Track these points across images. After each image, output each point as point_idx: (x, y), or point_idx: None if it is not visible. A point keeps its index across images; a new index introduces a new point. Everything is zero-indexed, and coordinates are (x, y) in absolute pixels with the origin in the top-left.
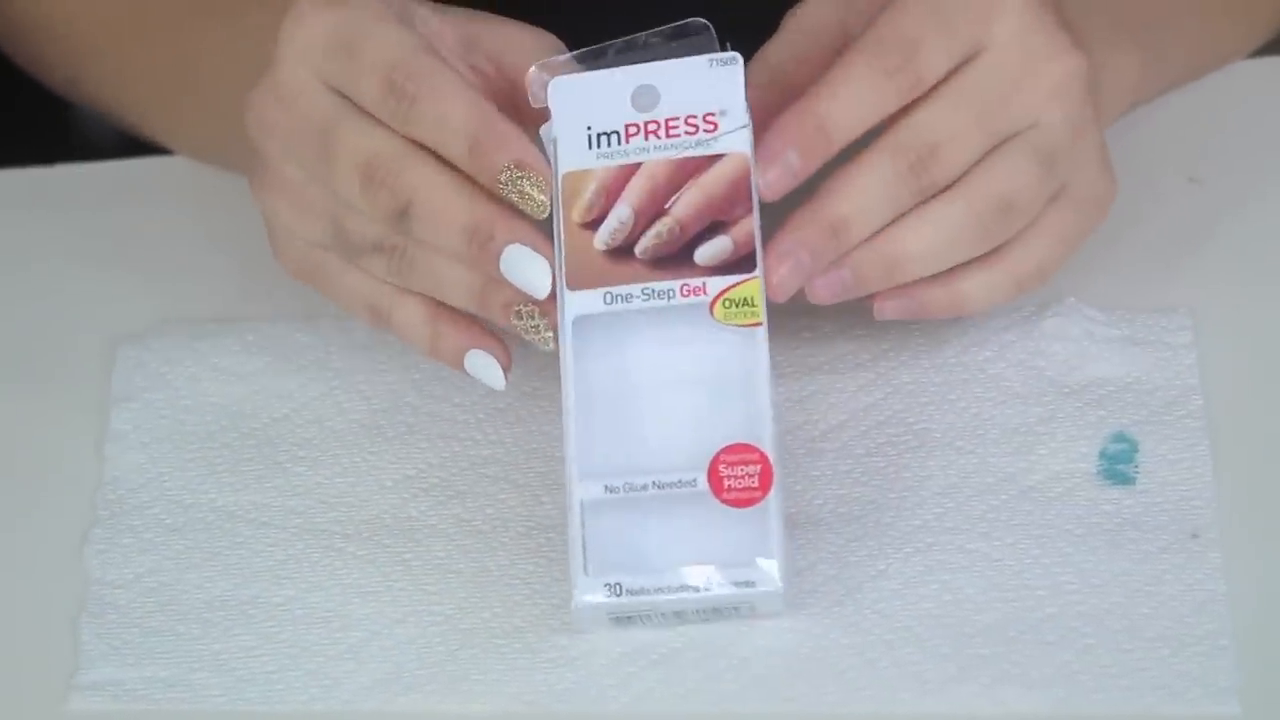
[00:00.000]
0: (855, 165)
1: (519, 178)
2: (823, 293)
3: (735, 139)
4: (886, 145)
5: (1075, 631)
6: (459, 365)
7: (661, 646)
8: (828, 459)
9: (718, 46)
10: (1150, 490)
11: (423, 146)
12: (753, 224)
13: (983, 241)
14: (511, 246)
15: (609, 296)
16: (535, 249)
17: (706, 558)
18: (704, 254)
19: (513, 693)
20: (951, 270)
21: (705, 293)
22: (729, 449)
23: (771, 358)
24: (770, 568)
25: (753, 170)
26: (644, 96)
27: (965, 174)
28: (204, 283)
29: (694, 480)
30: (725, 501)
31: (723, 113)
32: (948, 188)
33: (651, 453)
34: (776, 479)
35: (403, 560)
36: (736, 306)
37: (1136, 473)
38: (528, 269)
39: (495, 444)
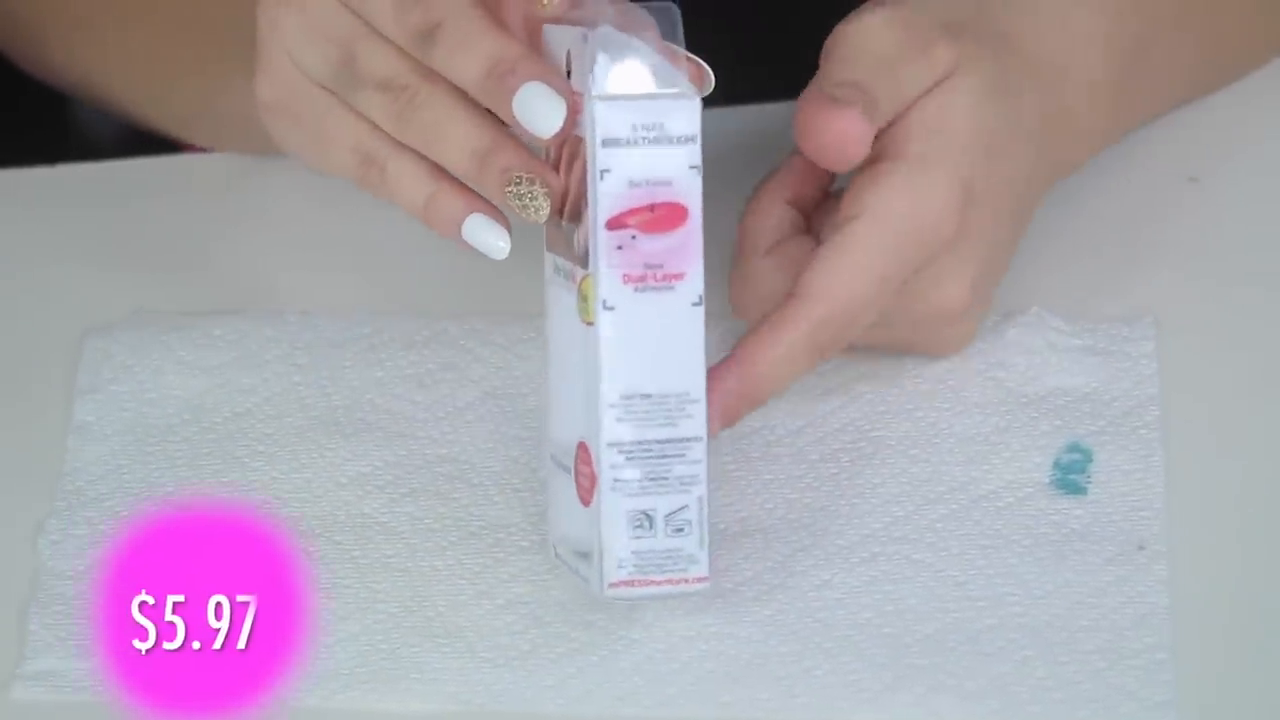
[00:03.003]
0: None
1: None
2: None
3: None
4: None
5: (1014, 643)
6: (454, 231)
7: (603, 649)
8: (782, 463)
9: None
10: (1101, 501)
11: None
12: (588, 218)
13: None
14: (530, 83)
15: (553, 265)
16: (555, 90)
17: (575, 538)
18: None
19: (450, 692)
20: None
21: (574, 280)
22: (581, 445)
23: (611, 358)
24: (588, 570)
25: (591, 157)
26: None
27: None
28: (202, 280)
29: (569, 466)
30: (578, 494)
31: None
32: None
33: (563, 427)
34: (600, 487)
35: (351, 557)
36: (584, 301)
37: (1089, 483)
38: (542, 104)
39: (452, 443)
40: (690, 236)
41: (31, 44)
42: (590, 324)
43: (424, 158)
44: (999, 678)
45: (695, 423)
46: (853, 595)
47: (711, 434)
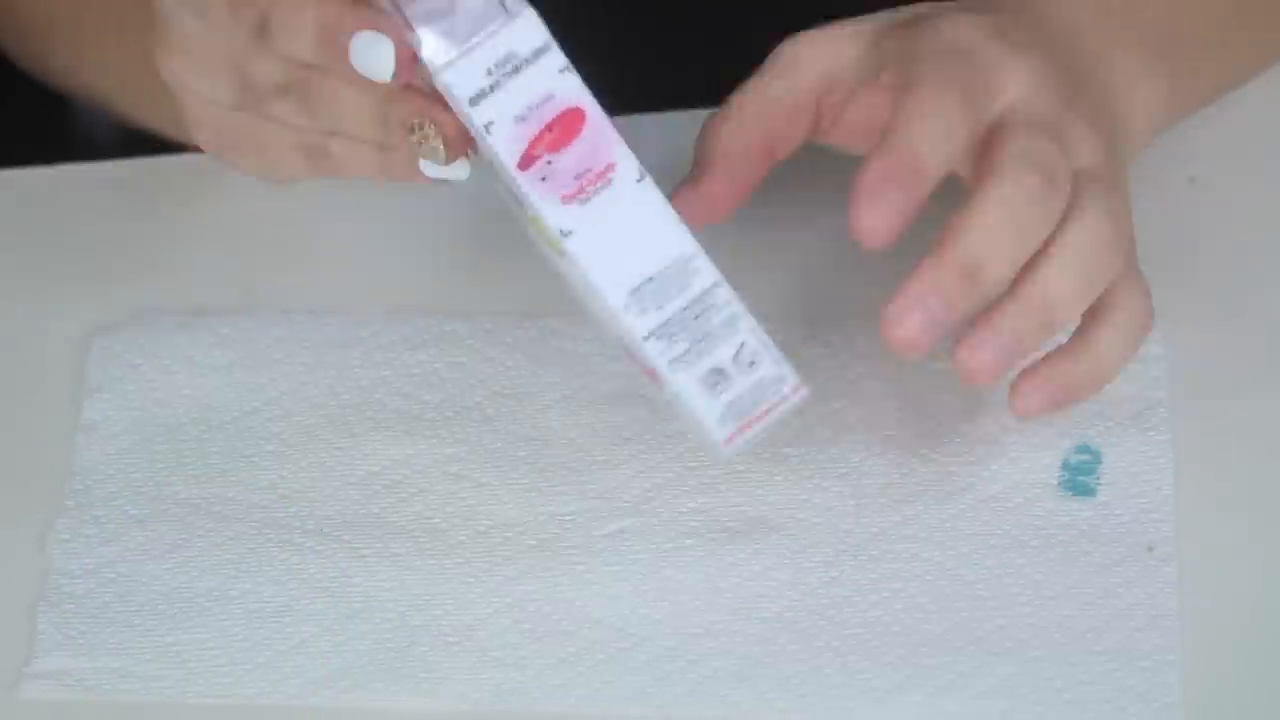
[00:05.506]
0: (977, 199)
1: None
2: (992, 367)
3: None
4: (1005, 170)
5: (1023, 644)
6: (414, 172)
7: (610, 647)
8: (790, 464)
9: None
10: (1110, 502)
11: None
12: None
13: (1115, 259)
14: (358, 34)
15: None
16: (377, 31)
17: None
18: None
19: (459, 691)
20: (1081, 335)
21: (525, 218)
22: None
23: (598, 272)
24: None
25: (469, 122)
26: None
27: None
28: (207, 280)
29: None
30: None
31: None
32: (1066, 217)
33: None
34: (661, 374)
35: (360, 556)
36: (541, 235)
37: (1098, 484)
38: (372, 53)
39: (460, 442)
40: (596, 130)
41: (35, 47)
42: (561, 254)
43: None
44: (1008, 678)
45: (704, 274)
46: (861, 593)
47: (863, 230)
